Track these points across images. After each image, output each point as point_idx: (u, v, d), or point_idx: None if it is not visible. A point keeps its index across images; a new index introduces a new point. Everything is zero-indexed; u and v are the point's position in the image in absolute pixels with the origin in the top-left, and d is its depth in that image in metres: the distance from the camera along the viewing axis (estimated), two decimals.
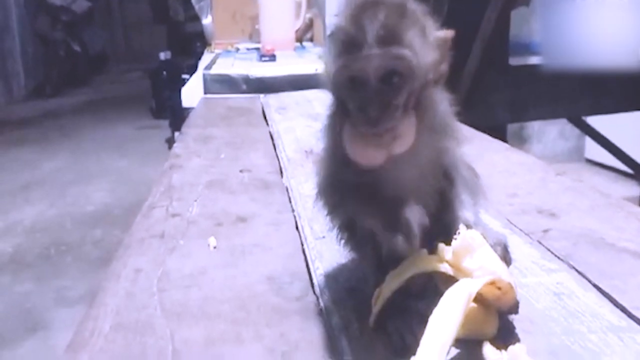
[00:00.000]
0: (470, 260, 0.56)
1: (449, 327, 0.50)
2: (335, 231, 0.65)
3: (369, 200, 0.58)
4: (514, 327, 0.58)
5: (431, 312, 0.51)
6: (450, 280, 0.55)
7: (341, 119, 0.58)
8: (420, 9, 0.57)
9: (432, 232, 0.57)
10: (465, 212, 0.60)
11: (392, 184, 0.58)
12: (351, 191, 0.59)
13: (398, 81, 0.54)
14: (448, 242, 0.57)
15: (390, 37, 0.53)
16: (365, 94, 0.54)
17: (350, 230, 0.63)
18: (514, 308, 0.57)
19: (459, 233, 0.57)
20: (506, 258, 0.60)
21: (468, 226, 0.58)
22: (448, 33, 0.57)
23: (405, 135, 0.55)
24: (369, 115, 0.54)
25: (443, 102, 0.60)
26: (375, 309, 0.58)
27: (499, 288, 0.55)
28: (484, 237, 0.57)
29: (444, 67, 0.57)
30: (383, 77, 0.54)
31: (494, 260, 0.56)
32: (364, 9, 0.55)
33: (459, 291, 0.52)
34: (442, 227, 0.60)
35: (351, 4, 0.57)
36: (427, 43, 0.55)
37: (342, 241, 0.65)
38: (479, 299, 0.54)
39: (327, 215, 0.65)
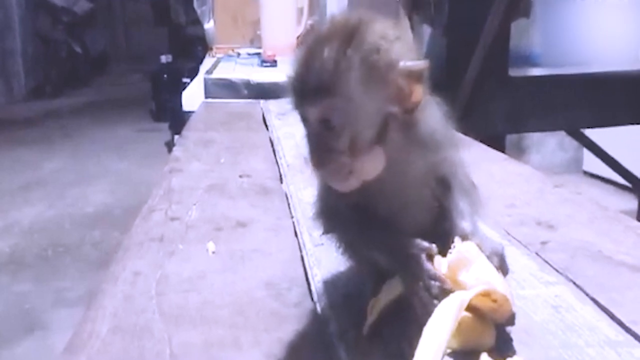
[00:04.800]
0: (466, 274, 0.56)
1: (441, 337, 0.50)
2: (333, 239, 0.66)
3: (365, 225, 0.59)
4: (511, 339, 0.58)
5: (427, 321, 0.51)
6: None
7: None
8: (383, 33, 0.56)
9: (430, 242, 0.58)
10: (463, 221, 0.60)
11: (385, 201, 0.59)
12: (346, 217, 0.61)
13: (336, 128, 0.55)
14: (445, 253, 0.57)
15: (325, 88, 0.54)
16: (309, 137, 0.57)
17: (348, 244, 0.64)
18: (510, 320, 0.57)
19: (454, 246, 0.57)
20: (503, 268, 0.60)
21: (464, 237, 0.58)
22: (421, 65, 0.55)
23: (365, 169, 0.56)
24: (313, 156, 0.56)
25: (433, 116, 0.59)
26: (370, 319, 0.58)
27: (495, 300, 0.55)
28: (480, 248, 0.57)
29: (417, 97, 0.56)
30: (322, 123, 0.56)
31: (490, 273, 0.56)
32: (310, 51, 0.56)
33: (452, 301, 0.52)
34: (439, 237, 0.60)
35: (306, 40, 0.58)
36: (376, 83, 0.55)
37: (340, 250, 0.66)
38: (475, 310, 0.55)
39: (324, 235, 0.66)
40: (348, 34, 0.55)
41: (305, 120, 0.57)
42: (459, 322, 0.52)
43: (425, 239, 0.57)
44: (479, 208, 0.63)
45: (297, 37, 2.81)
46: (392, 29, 0.57)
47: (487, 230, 0.75)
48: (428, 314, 0.52)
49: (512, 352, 0.56)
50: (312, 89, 0.55)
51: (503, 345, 0.57)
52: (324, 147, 0.56)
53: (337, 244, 0.65)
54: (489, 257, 0.57)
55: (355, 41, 0.55)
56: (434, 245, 0.57)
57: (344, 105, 0.54)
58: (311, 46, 0.56)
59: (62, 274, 2.85)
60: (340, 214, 0.61)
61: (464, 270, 0.56)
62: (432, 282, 0.54)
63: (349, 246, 0.64)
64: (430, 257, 0.56)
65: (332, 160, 0.55)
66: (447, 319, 0.51)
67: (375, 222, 0.59)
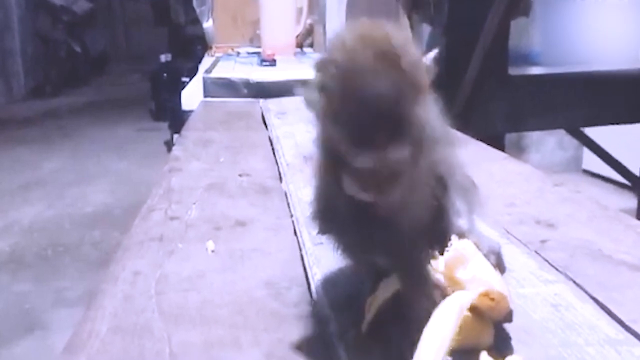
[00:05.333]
0: (463, 271, 0.56)
1: (440, 343, 0.50)
2: (331, 240, 0.65)
3: (365, 227, 0.56)
4: (510, 338, 0.58)
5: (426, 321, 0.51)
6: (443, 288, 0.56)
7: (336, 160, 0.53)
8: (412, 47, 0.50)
9: (427, 240, 0.58)
10: (460, 220, 0.60)
11: (385, 204, 0.58)
12: (345, 218, 0.57)
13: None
14: (442, 251, 0.57)
15: (389, 137, 0.47)
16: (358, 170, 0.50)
17: (346, 245, 0.64)
18: (508, 317, 0.57)
19: (451, 244, 0.57)
20: (500, 266, 0.60)
21: (461, 235, 0.58)
22: (433, 55, 0.53)
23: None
24: (366, 190, 0.51)
25: (430, 114, 0.58)
26: (368, 316, 0.58)
27: (492, 299, 0.55)
28: (477, 246, 0.57)
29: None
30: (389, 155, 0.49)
31: (487, 270, 0.56)
32: (359, 82, 0.47)
33: (451, 305, 0.52)
34: (436, 236, 0.60)
35: (341, 68, 0.49)
36: (425, 100, 0.51)
37: (338, 250, 0.65)
38: (472, 309, 0.55)
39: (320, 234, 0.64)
40: (394, 55, 0.49)
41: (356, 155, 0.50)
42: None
43: (423, 237, 0.57)
44: (477, 207, 0.63)
45: (296, 37, 2.81)
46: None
47: (484, 229, 0.76)
48: (426, 319, 0.52)
49: (511, 351, 0.56)
50: (377, 139, 0.48)
51: (502, 343, 0.57)
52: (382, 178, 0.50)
53: (335, 245, 0.65)
54: (486, 256, 0.58)
55: (404, 63, 0.49)
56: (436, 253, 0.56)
57: (413, 153, 0.50)
58: (356, 76, 0.48)
59: (62, 274, 2.86)
60: (340, 214, 0.58)
61: (461, 268, 0.56)
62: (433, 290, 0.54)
63: (347, 247, 0.63)
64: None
65: (388, 188, 0.51)
66: (447, 324, 0.51)
67: (375, 222, 0.58)
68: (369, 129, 0.47)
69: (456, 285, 0.55)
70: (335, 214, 0.59)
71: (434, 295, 0.54)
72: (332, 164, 0.53)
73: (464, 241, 0.57)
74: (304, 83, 0.53)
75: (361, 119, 0.47)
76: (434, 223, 0.60)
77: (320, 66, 0.51)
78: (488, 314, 0.56)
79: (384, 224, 0.56)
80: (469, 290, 0.54)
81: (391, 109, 0.47)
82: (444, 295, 0.54)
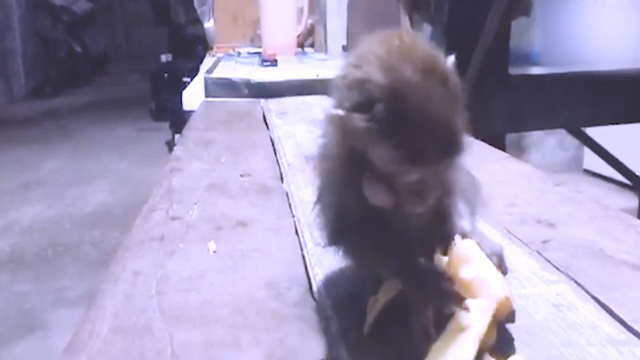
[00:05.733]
0: (467, 270, 0.56)
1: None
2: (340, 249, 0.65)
3: (379, 234, 0.56)
4: (513, 338, 0.58)
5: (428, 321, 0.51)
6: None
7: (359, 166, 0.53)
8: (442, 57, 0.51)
9: (430, 241, 0.58)
10: (462, 221, 0.60)
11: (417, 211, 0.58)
12: (359, 226, 0.57)
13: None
14: (445, 252, 0.57)
15: (448, 148, 0.49)
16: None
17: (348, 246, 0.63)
18: (511, 317, 0.57)
19: (454, 244, 0.57)
20: (502, 268, 0.60)
21: (464, 236, 0.58)
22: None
23: None
24: (403, 200, 0.52)
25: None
26: (370, 317, 0.58)
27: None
28: (480, 247, 0.57)
29: None
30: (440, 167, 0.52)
31: (490, 270, 0.56)
32: (418, 102, 0.48)
33: (468, 335, 0.52)
34: (439, 237, 0.60)
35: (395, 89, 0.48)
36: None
37: (340, 251, 0.65)
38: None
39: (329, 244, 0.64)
40: (441, 72, 0.50)
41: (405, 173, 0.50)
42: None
43: (426, 239, 0.57)
44: (479, 208, 0.63)
45: (297, 37, 2.81)
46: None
47: (487, 230, 0.76)
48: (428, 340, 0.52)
49: (514, 351, 0.56)
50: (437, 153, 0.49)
51: (504, 344, 0.57)
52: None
53: (345, 252, 0.64)
54: (488, 257, 0.58)
55: (449, 78, 0.51)
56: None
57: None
58: (409, 96, 0.48)
59: (62, 274, 2.85)
60: (353, 221, 0.57)
61: (465, 267, 0.56)
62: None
63: (358, 253, 0.62)
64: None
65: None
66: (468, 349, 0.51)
67: (389, 226, 0.56)
68: (425, 147, 0.48)
69: (460, 283, 0.55)
70: (347, 221, 0.58)
71: (443, 300, 0.54)
72: (352, 174, 0.53)
73: (467, 241, 0.57)
74: (329, 99, 0.53)
75: (417, 139, 0.48)
76: (437, 225, 0.60)
77: (356, 84, 0.50)
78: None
79: (399, 228, 0.56)
80: (475, 292, 0.54)
81: (445, 126, 0.49)
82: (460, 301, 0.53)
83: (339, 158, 0.55)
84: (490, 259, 0.58)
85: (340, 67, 0.53)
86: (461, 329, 0.52)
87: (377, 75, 0.48)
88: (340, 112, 0.50)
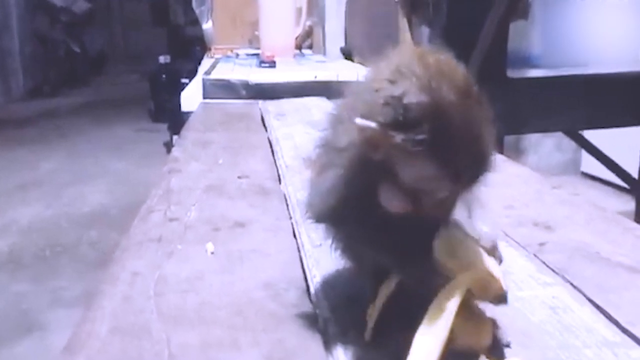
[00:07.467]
0: (455, 256, 0.55)
1: (435, 342, 0.50)
2: (330, 242, 0.65)
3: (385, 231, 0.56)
4: (509, 341, 0.58)
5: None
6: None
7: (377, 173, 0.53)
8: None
9: (425, 232, 0.57)
10: (458, 214, 0.60)
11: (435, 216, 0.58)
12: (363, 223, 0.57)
13: None
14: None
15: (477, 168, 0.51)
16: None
17: (346, 245, 0.63)
18: (501, 298, 0.56)
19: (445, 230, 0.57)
20: (495, 255, 0.59)
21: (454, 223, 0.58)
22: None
23: None
24: (442, 210, 0.54)
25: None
26: (370, 323, 0.58)
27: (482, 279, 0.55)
28: (473, 235, 0.57)
29: None
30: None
31: (477, 253, 0.56)
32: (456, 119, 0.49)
33: (443, 303, 0.52)
34: (433, 227, 0.59)
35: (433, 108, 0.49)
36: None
37: (338, 252, 0.65)
38: (469, 308, 0.54)
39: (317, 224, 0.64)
40: (476, 91, 0.52)
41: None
42: (453, 323, 0.52)
43: (421, 229, 0.57)
44: (477, 205, 0.63)
45: (296, 38, 2.81)
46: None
47: (481, 220, 0.75)
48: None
49: (510, 353, 0.56)
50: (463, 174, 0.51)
51: (500, 346, 0.57)
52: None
53: (337, 246, 0.64)
54: (482, 245, 0.57)
55: (482, 97, 0.53)
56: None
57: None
58: (451, 116, 0.49)
59: (60, 274, 2.86)
60: (355, 218, 0.57)
61: (452, 252, 0.55)
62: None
63: (357, 245, 0.62)
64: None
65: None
66: (441, 324, 0.51)
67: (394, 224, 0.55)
68: (465, 167, 0.50)
69: (449, 270, 0.55)
70: (348, 216, 0.58)
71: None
72: (361, 176, 0.53)
73: (455, 225, 0.57)
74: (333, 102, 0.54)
75: (459, 159, 0.49)
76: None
77: (393, 101, 0.49)
78: (479, 295, 0.56)
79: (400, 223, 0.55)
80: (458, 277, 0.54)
81: (482, 147, 0.51)
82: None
83: (350, 159, 0.54)
84: (484, 246, 0.57)
85: (369, 78, 0.53)
86: (441, 310, 0.51)
87: (417, 94, 0.48)
88: (373, 124, 0.49)
